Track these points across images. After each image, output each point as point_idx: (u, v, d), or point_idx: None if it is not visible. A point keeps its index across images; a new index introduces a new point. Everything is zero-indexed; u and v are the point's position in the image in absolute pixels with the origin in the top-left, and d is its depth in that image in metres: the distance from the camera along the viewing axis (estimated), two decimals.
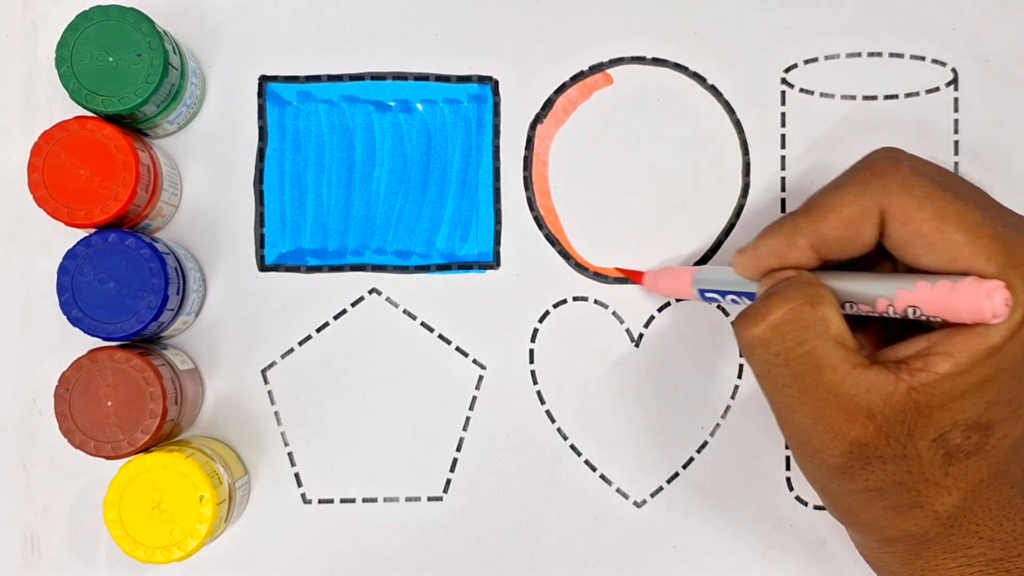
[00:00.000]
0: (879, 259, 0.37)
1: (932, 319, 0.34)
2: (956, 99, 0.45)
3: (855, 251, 0.36)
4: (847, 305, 0.36)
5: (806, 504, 0.45)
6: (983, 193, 0.35)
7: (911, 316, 0.34)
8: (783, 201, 0.45)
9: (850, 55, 0.45)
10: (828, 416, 0.34)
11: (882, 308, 0.35)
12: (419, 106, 0.45)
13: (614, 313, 0.45)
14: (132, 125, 0.42)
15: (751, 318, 0.35)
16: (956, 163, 0.45)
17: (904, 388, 0.33)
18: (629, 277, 0.44)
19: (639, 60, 0.45)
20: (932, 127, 0.45)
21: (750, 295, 0.39)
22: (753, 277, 0.38)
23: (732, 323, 0.37)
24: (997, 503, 0.35)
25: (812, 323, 0.34)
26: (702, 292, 0.41)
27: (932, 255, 0.34)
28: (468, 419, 0.45)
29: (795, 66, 0.45)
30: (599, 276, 0.45)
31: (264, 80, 0.45)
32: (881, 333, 0.38)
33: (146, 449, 0.40)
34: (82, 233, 0.41)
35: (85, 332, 0.40)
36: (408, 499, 0.44)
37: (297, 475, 0.44)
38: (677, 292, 0.42)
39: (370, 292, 0.45)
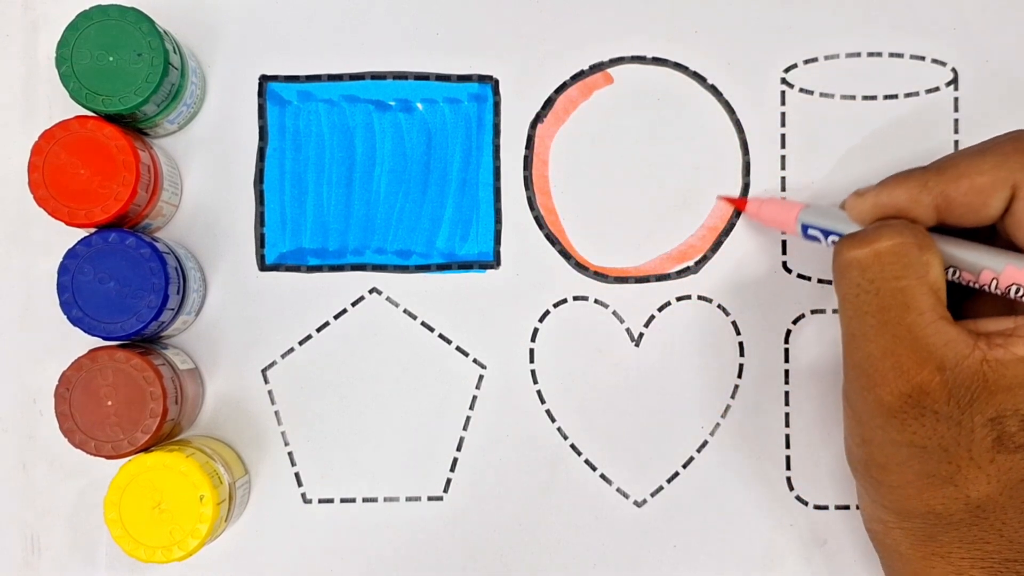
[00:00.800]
0: (987, 240, 0.37)
1: None
2: (956, 99, 0.45)
3: (974, 221, 0.35)
4: (950, 270, 0.36)
5: (806, 504, 0.45)
6: None
7: (1012, 294, 0.34)
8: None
9: (850, 55, 0.45)
10: (900, 354, 0.34)
11: (986, 280, 0.35)
12: (419, 105, 0.45)
13: (614, 313, 0.45)
14: (132, 125, 0.42)
15: (857, 240, 0.35)
16: None
17: (979, 356, 0.33)
18: (732, 204, 0.44)
19: (639, 60, 0.45)
20: (932, 127, 0.45)
21: None
22: (866, 222, 0.37)
23: (835, 243, 0.36)
24: None
25: (915, 263, 0.34)
26: (805, 228, 0.40)
27: None
28: (468, 419, 0.45)
29: (795, 66, 0.45)
30: (599, 276, 0.45)
31: (264, 80, 0.45)
32: (972, 310, 0.38)
33: (146, 449, 0.40)
34: (82, 233, 0.41)
35: (85, 332, 0.40)
36: (408, 499, 0.44)
37: (297, 475, 0.44)
38: (780, 223, 0.42)
39: (370, 292, 0.45)
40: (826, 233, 0.40)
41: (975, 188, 0.35)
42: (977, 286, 0.35)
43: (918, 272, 0.34)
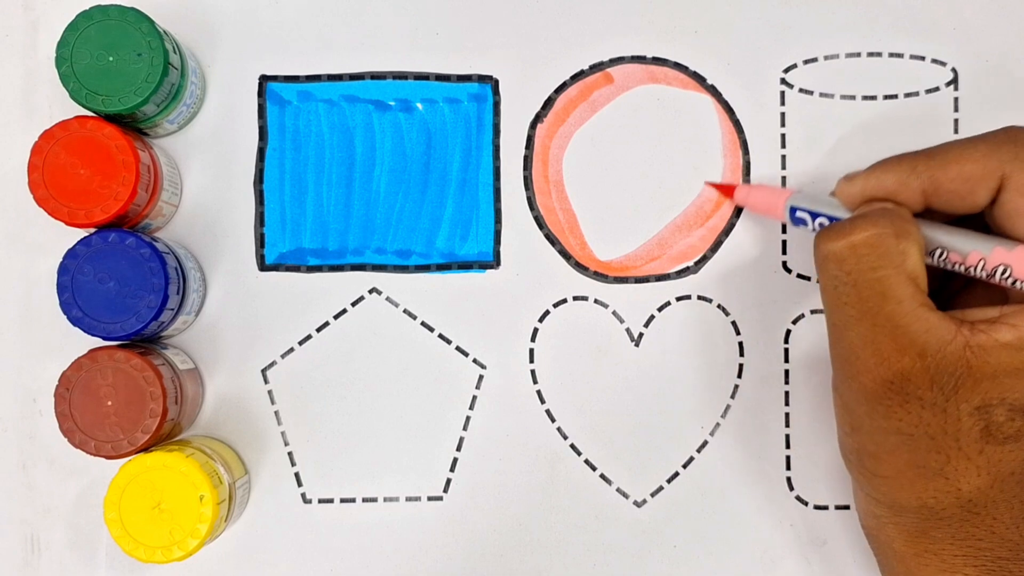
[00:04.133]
0: (975, 228, 0.37)
1: (1020, 283, 0.34)
2: (956, 99, 0.45)
3: (961, 208, 0.36)
4: (938, 251, 0.36)
5: (806, 504, 0.45)
6: None
7: (998, 277, 0.34)
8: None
9: (849, 55, 0.45)
10: (880, 342, 0.34)
11: (973, 261, 0.35)
12: (419, 105, 0.45)
13: (614, 313, 0.45)
14: (132, 125, 0.42)
15: (833, 232, 0.35)
16: None
17: (961, 342, 0.33)
18: (720, 191, 0.44)
19: (639, 60, 0.45)
20: (932, 127, 0.45)
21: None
22: (855, 206, 0.38)
23: (816, 240, 0.36)
24: (1020, 503, 0.35)
25: (891, 253, 0.34)
26: (793, 211, 0.41)
27: None
28: (468, 419, 0.45)
29: (794, 66, 0.45)
30: (599, 276, 0.45)
31: (264, 80, 0.45)
32: (960, 303, 0.39)
33: (146, 449, 0.40)
34: (82, 233, 0.41)
35: (85, 332, 0.40)
36: (408, 499, 0.44)
37: (297, 475, 0.44)
38: (767, 208, 0.42)
39: (370, 292, 0.45)
40: (814, 215, 0.40)
41: (964, 175, 0.35)
42: (963, 268, 0.35)
43: (895, 261, 0.34)
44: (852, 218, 0.35)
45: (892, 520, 0.37)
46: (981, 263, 0.35)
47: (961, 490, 0.35)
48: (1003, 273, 0.34)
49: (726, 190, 0.44)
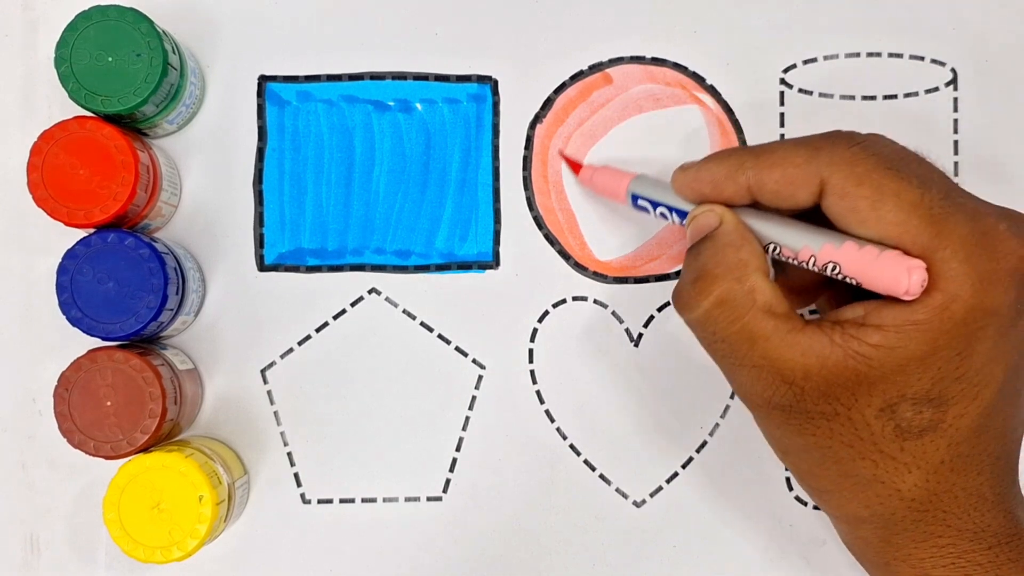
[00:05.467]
0: (818, 221, 0.38)
1: (848, 279, 0.35)
2: (956, 99, 0.45)
3: (788, 208, 0.36)
4: (771, 247, 0.36)
5: (806, 504, 0.45)
6: (939, 174, 0.35)
7: (829, 272, 0.35)
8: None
9: (849, 55, 0.45)
10: (764, 378, 0.35)
11: (804, 257, 0.35)
12: (418, 106, 0.45)
13: (614, 313, 0.45)
14: (132, 125, 0.42)
15: (685, 303, 0.37)
16: (956, 163, 0.45)
17: (840, 353, 0.34)
18: (570, 166, 0.44)
19: (638, 60, 0.45)
20: (931, 127, 0.45)
21: (681, 213, 0.39)
22: (688, 198, 0.39)
23: (672, 300, 0.38)
24: (964, 490, 0.35)
25: (741, 300, 0.35)
26: (635, 198, 0.41)
27: (865, 230, 0.34)
28: (468, 419, 0.45)
29: (794, 66, 0.45)
30: (599, 276, 0.45)
31: (264, 80, 0.45)
32: (818, 291, 0.40)
33: (146, 449, 0.40)
34: (82, 233, 0.41)
35: (84, 332, 0.40)
36: (408, 499, 0.44)
37: (297, 475, 0.44)
38: (610, 192, 0.42)
39: (370, 292, 0.45)
40: (654, 204, 0.40)
41: (785, 179, 0.36)
42: (796, 262, 0.36)
43: (747, 307, 0.35)
44: (693, 281, 0.36)
45: (858, 533, 0.38)
46: (812, 259, 0.35)
47: (901, 490, 0.35)
48: (833, 270, 0.35)
49: (574, 167, 0.44)
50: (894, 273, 0.33)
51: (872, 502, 0.36)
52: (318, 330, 0.44)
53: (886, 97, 0.45)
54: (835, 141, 0.36)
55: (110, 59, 0.40)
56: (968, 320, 0.33)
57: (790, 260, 0.36)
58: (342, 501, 0.44)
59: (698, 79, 0.45)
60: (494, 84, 0.45)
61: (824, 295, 0.41)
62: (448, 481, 0.44)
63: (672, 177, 0.39)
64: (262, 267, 0.44)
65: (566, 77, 0.45)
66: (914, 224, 0.33)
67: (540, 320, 0.45)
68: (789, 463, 0.38)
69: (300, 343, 0.44)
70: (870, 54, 0.45)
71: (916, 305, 0.33)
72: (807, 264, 0.36)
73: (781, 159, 0.36)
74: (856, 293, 0.36)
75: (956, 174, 0.45)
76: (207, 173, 0.44)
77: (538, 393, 0.45)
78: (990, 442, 0.35)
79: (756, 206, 0.37)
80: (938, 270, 0.33)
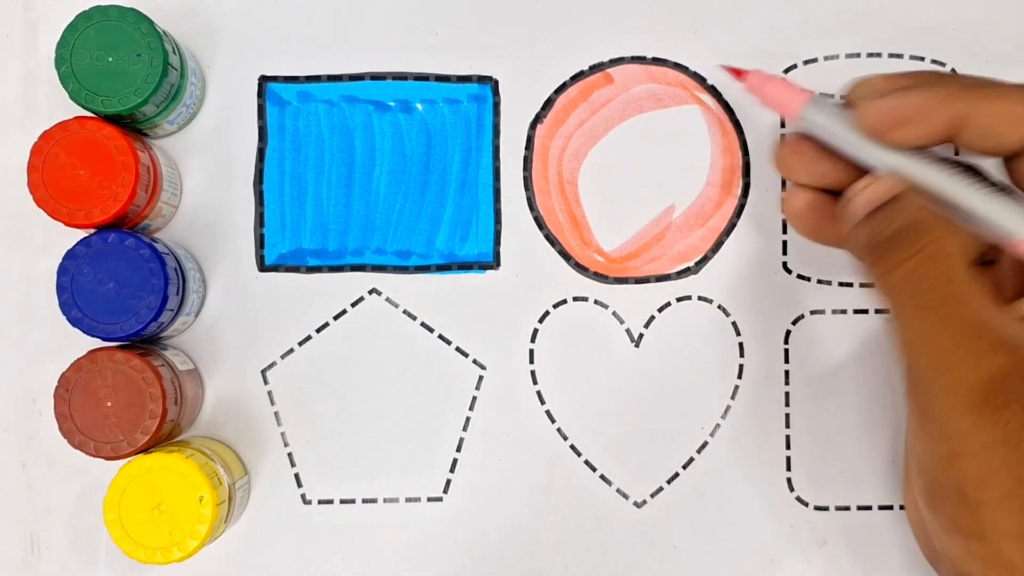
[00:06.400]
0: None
1: None
2: None
3: (984, 149, 0.33)
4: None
5: (806, 504, 0.45)
6: None
7: None
8: (783, 201, 0.45)
9: (850, 55, 0.45)
10: (969, 343, 0.32)
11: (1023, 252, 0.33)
12: (419, 106, 0.45)
13: (614, 313, 0.45)
14: (132, 125, 0.42)
15: (891, 257, 0.33)
16: None
17: None
18: (733, 73, 0.40)
19: (639, 60, 0.45)
20: None
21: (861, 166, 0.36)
22: (873, 134, 0.35)
23: (866, 256, 0.35)
24: None
25: (955, 252, 0.32)
26: (807, 119, 0.38)
27: None
28: (468, 419, 0.45)
29: (794, 66, 0.45)
30: (599, 276, 0.45)
31: (264, 80, 0.45)
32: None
33: (146, 450, 0.40)
34: (82, 233, 0.41)
35: (85, 332, 0.40)
36: (408, 499, 0.44)
37: (297, 475, 0.44)
38: (779, 108, 0.39)
39: (370, 292, 0.45)
40: (828, 132, 0.37)
41: (1004, 114, 0.33)
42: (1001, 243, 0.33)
43: (962, 260, 0.33)
44: (898, 236, 0.33)
45: (998, 558, 0.32)
46: None
47: None
48: None
49: (739, 73, 0.40)
50: None
51: None
52: (319, 331, 0.44)
53: None
54: None
55: (110, 59, 0.40)
56: None
57: (1001, 245, 0.33)
58: (343, 502, 0.44)
59: (699, 79, 0.45)
60: (494, 84, 0.45)
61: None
62: (449, 481, 0.44)
63: (859, 109, 0.35)
64: (262, 267, 0.44)
65: (567, 77, 0.45)
66: None
67: (541, 320, 0.45)
68: (953, 474, 0.33)
69: (301, 343, 0.44)
70: (870, 54, 0.45)
71: None
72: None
73: (999, 94, 0.33)
74: None
75: None
76: (207, 173, 0.44)
77: (539, 393, 0.45)
78: None
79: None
80: None
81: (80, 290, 0.40)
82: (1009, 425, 0.31)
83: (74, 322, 0.40)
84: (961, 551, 0.34)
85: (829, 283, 0.45)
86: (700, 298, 0.45)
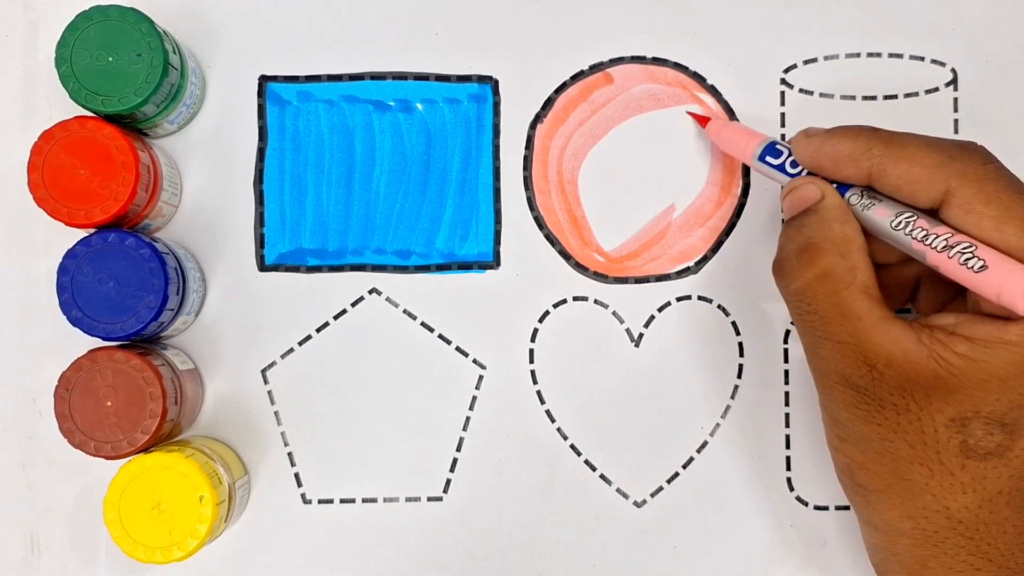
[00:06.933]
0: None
1: (971, 263, 0.34)
2: (956, 99, 0.45)
3: (901, 200, 0.36)
4: (901, 219, 0.36)
5: (806, 504, 0.45)
6: None
7: (952, 253, 0.34)
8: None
9: (849, 55, 0.45)
10: (848, 355, 0.35)
11: (940, 232, 0.35)
12: (419, 106, 0.45)
13: (614, 313, 0.45)
14: (132, 125, 0.42)
15: (788, 273, 0.37)
16: None
17: (925, 352, 0.34)
18: (696, 120, 0.44)
19: (639, 60, 0.45)
20: (932, 127, 0.45)
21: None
22: (805, 165, 0.39)
23: (773, 272, 0.38)
24: (1015, 527, 0.35)
25: (843, 275, 0.36)
26: (762, 158, 0.41)
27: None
28: (468, 419, 0.45)
29: (794, 66, 0.45)
30: (599, 276, 0.45)
31: (264, 80, 0.45)
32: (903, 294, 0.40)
33: (146, 449, 0.40)
34: (82, 233, 0.41)
35: (85, 332, 0.40)
36: (408, 499, 0.44)
37: (297, 475, 0.44)
38: (737, 151, 0.42)
39: (370, 292, 0.45)
40: (778, 168, 0.40)
41: (911, 176, 0.36)
42: (923, 236, 0.36)
43: (846, 281, 0.36)
44: (800, 252, 0.37)
45: (891, 548, 0.37)
46: (944, 240, 0.35)
47: (951, 509, 0.35)
48: (963, 252, 0.34)
49: (702, 120, 0.44)
50: (1018, 286, 0.33)
51: (917, 514, 0.35)
52: (319, 330, 0.44)
53: (886, 97, 0.45)
54: (970, 154, 0.35)
55: (111, 59, 0.40)
56: None
57: (918, 232, 0.36)
58: (343, 501, 0.44)
59: (699, 79, 0.45)
60: (495, 84, 0.45)
61: (912, 300, 0.41)
62: (449, 481, 0.44)
63: (794, 140, 0.39)
64: (263, 267, 0.44)
65: (567, 77, 0.45)
66: None
67: (541, 320, 0.45)
68: (844, 453, 0.37)
69: (301, 343, 0.44)
70: (870, 54, 0.45)
71: (1010, 325, 0.33)
72: (934, 240, 0.35)
73: (911, 155, 0.36)
74: (946, 302, 0.36)
75: None
76: (208, 173, 0.44)
77: (539, 393, 0.45)
78: None
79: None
80: None
81: (80, 290, 0.40)
82: (881, 425, 0.35)
83: (74, 322, 0.40)
84: (867, 541, 0.39)
85: None
86: (700, 298, 0.45)
